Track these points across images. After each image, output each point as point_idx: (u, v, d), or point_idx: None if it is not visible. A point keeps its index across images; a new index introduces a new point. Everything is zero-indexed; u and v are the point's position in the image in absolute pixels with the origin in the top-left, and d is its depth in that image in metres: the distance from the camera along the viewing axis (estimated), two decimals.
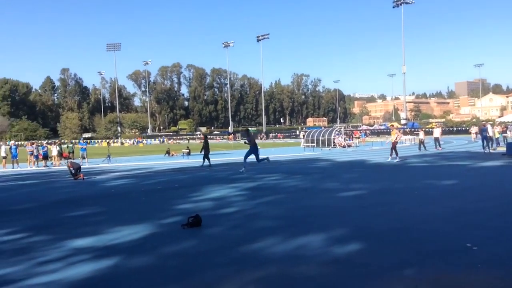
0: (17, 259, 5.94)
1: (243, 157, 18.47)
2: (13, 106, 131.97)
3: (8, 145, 33.52)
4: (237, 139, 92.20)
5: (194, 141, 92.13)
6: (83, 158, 27.65)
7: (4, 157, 26.83)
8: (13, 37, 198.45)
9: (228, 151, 42.94)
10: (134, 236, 7.16)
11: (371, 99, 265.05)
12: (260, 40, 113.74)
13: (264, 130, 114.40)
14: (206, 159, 22.42)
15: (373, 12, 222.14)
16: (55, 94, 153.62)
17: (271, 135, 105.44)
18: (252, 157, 18.10)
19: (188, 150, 33.61)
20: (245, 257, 5.78)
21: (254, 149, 17.75)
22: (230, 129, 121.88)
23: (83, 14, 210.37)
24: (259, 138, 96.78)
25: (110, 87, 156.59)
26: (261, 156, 18.29)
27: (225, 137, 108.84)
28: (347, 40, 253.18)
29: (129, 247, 6.47)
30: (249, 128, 16.10)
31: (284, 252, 5.89)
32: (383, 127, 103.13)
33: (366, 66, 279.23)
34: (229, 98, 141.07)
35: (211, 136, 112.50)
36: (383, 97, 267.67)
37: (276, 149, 42.56)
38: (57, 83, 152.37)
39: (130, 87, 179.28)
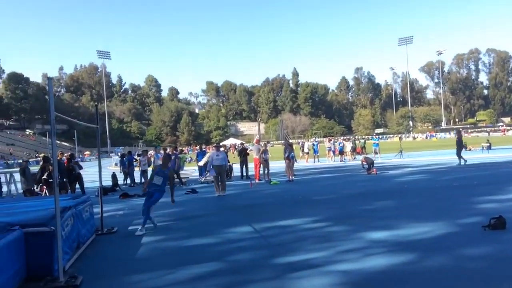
0: (319, 246, 6.55)
1: None
2: (313, 107, 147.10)
3: (310, 142, 37.45)
4: None
5: (495, 133, 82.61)
6: (376, 153, 28.45)
7: (307, 153, 30.14)
8: (311, 43, 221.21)
9: None
10: (429, 234, 6.90)
11: None
12: None
13: None
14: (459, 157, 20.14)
15: None
16: (349, 93, 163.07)
17: None
18: None
19: (488, 144, 30.49)
20: None
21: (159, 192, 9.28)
22: None
23: (375, 13, 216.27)
24: None
25: (401, 82, 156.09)
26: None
27: None
28: None
29: (424, 245, 6.27)
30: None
31: None
32: None
33: None
34: None
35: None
36: None
37: None
38: (351, 82, 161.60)
39: (422, 80, 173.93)
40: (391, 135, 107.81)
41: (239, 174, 20.23)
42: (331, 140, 32.79)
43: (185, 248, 7.03)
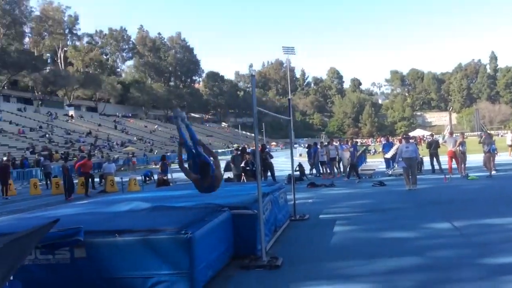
0: None
1: None
2: None
3: None
4: None
5: None
6: None
7: (510, 145, 26.60)
8: None
9: None
10: None
11: None
12: None
13: None
14: None
15: None
16: None
17: None
18: None
19: None
20: None
21: None
22: None
23: None
24: None
25: None
26: None
27: None
28: None
29: None
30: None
31: None
32: None
33: None
34: None
35: None
36: None
37: None
38: None
39: None
40: None
41: (429, 167, 18.95)
42: None
43: (379, 240, 6.89)
